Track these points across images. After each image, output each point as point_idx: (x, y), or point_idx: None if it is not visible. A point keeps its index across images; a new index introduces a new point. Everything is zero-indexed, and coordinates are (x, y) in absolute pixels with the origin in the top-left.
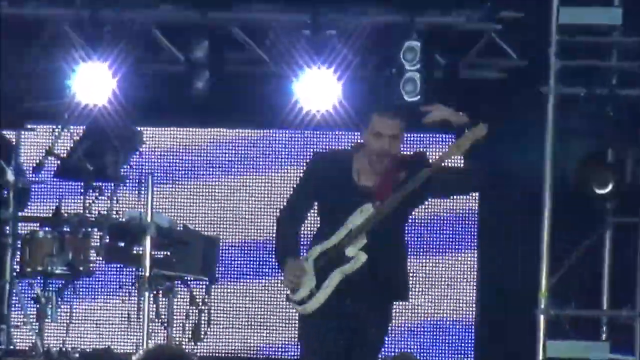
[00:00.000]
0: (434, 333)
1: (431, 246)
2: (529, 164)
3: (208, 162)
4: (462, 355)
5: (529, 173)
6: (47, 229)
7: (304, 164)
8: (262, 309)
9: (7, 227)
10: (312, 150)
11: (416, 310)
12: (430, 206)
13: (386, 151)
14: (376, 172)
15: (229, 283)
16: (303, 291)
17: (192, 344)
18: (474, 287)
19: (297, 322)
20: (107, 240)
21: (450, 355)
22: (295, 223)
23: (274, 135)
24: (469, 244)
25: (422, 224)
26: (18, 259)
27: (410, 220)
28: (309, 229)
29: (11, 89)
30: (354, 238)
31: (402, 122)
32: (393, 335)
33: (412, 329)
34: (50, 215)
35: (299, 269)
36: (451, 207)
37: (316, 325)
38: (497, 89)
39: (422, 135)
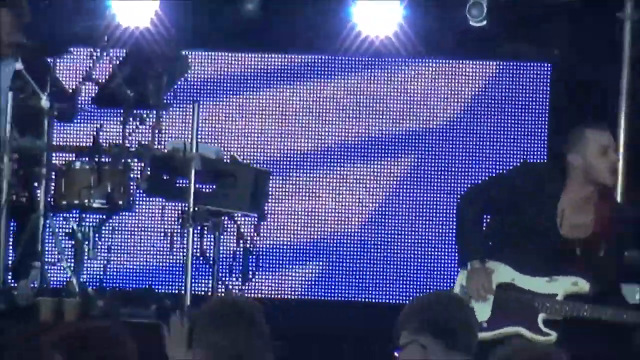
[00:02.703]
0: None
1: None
2: (601, 102)
3: (259, 89)
4: None
5: (600, 112)
6: (84, 159)
7: None
8: (313, 248)
9: (42, 158)
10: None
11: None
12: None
13: (616, 166)
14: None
15: (278, 220)
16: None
17: (240, 284)
18: None
19: (355, 264)
20: (149, 173)
21: None
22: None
23: (329, 61)
24: None
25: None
26: (52, 192)
27: None
28: None
29: (58, 10)
30: (554, 311)
31: None
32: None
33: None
34: (88, 145)
35: (487, 282)
36: None
37: None
38: (569, 14)
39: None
